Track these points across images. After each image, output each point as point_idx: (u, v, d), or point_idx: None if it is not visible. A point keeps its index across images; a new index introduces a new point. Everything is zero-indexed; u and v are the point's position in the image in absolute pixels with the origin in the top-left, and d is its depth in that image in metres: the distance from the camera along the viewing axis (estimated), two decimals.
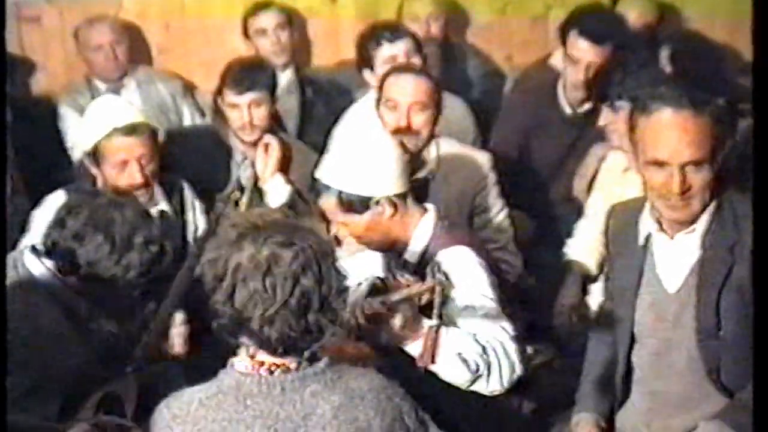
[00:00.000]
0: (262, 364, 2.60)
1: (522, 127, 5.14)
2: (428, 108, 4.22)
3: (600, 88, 4.42)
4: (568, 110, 5.06)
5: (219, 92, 4.71)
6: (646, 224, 3.27)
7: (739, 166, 3.17)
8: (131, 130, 4.18)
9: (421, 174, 4.20)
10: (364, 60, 4.93)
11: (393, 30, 4.93)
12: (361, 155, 3.50)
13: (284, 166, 4.60)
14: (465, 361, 3.17)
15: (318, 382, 2.59)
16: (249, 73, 4.66)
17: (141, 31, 5.74)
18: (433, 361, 3.11)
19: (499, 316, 3.32)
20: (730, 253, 3.12)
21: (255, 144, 4.64)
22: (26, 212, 4.36)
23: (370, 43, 4.87)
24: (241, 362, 2.62)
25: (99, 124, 4.22)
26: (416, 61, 4.80)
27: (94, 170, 4.27)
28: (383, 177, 3.49)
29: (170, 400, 2.63)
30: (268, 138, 4.60)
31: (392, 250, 3.56)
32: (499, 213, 4.42)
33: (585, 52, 4.92)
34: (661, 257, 3.26)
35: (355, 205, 3.48)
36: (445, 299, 3.14)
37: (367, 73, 4.90)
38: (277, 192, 4.52)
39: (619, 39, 4.93)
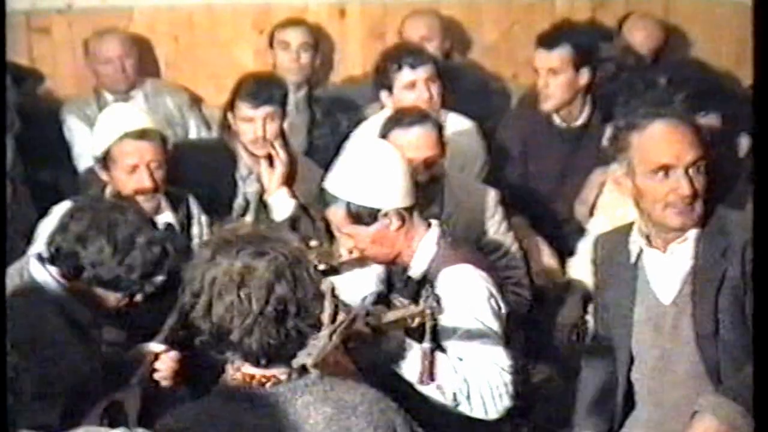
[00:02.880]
0: (253, 377, 2.62)
1: (520, 141, 5.17)
2: (439, 157, 4.20)
3: (605, 107, 4.45)
4: (559, 123, 5.08)
5: (231, 105, 4.70)
6: (636, 243, 3.33)
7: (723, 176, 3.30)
8: (142, 134, 4.20)
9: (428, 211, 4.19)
10: (382, 80, 4.87)
11: (415, 55, 4.87)
12: (370, 167, 3.51)
13: (289, 180, 4.61)
14: (443, 392, 3.24)
15: (310, 393, 2.61)
16: (265, 87, 4.66)
17: (150, 44, 5.77)
18: (432, 380, 3.14)
19: (495, 343, 3.35)
20: (723, 257, 3.18)
21: (264, 158, 4.66)
22: (31, 222, 4.37)
23: (390, 65, 4.82)
24: (232, 377, 2.64)
25: (111, 129, 4.24)
26: (434, 88, 4.79)
27: (104, 176, 4.28)
28: (392, 189, 3.49)
29: (167, 418, 2.65)
30: (277, 148, 4.60)
31: (395, 264, 3.59)
32: (509, 249, 4.41)
33: (539, 60, 5.01)
34: (653, 271, 3.31)
35: (363, 216, 3.48)
36: (436, 323, 3.15)
37: (383, 94, 4.87)
38: (282, 206, 4.53)
39: (570, 41, 4.97)
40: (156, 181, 4.20)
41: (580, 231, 4.67)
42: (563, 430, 3.66)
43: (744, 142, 3.89)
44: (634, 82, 4.45)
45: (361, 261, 3.64)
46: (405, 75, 4.78)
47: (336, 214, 3.53)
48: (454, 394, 3.24)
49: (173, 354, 3.39)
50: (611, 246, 3.47)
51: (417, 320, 3.10)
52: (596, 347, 3.58)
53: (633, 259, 3.33)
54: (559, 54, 4.94)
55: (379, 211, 3.48)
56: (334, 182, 3.56)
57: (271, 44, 5.65)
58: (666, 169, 3.15)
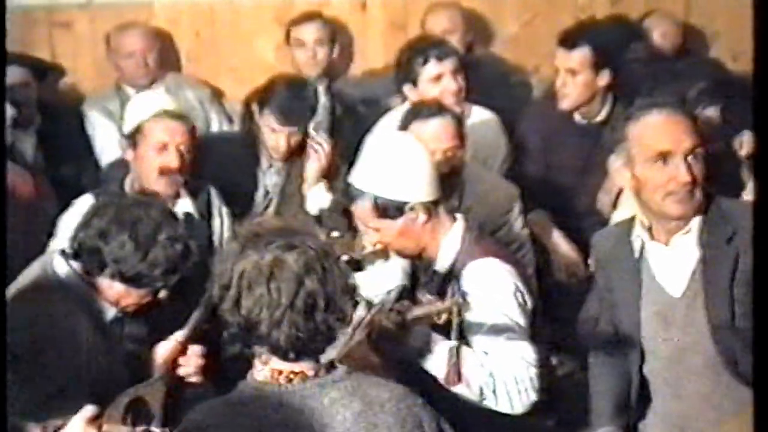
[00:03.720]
0: (280, 372, 2.61)
1: (540, 136, 5.17)
2: (459, 149, 4.20)
3: (628, 99, 4.43)
4: (580, 119, 5.07)
5: (260, 107, 4.70)
6: (638, 238, 3.32)
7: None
8: (178, 115, 4.25)
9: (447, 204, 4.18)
10: (406, 74, 4.86)
11: (441, 47, 4.86)
12: (397, 160, 3.50)
13: (329, 172, 4.59)
14: (468, 385, 3.23)
15: (337, 389, 2.60)
16: (296, 104, 4.66)
17: (171, 37, 5.78)
18: (459, 380, 3.14)
19: (521, 338, 3.34)
20: (729, 244, 3.18)
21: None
22: (54, 216, 4.38)
23: (415, 58, 4.81)
24: (259, 372, 2.63)
25: (148, 106, 4.28)
26: (460, 80, 4.78)
27: (129, 155, 4.28)
28: (418, 182, 3.49)
29: (193, 412, 2.65)
30: (319, 139, 4.59)
31: (420, 259, 3.58)
32: (524, 245, 4.40)
33: (559, 59, 4.99)
34: (658, 265, 3.30)
35: (390, 210, 3.48)
36: (462, 320, 3.14)
37: (407, 88, 4.85)
38: (318, 199, 4.53)
39: (591, 42, 4.94)
40: (183, 162, 4.21)
41: (603, 224, 4.65)
42: (587, 424, 3.64)
43: (746, 139, 3.88)
44: (658, 74, 4.44)
45: (383, 253, 3.63)
46: (431, 68, 4.77)
47: (362, 208, 3.53)
48: (481, 389, 3.24)
49: (198, 349, 3.38)
50: (612, 243, 3.47)
51: (444, 316, 3.08)
52: (605, 343, 3.56)
53: (636, 254, 3.32)
54: (579, 55, 4.93)
55: (405, 204, 3.47)
56: (360, 176, 3.55)
57: (287, 41, 5.64)
58: (665, 156, 3.15)
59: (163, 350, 3.33)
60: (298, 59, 5.56)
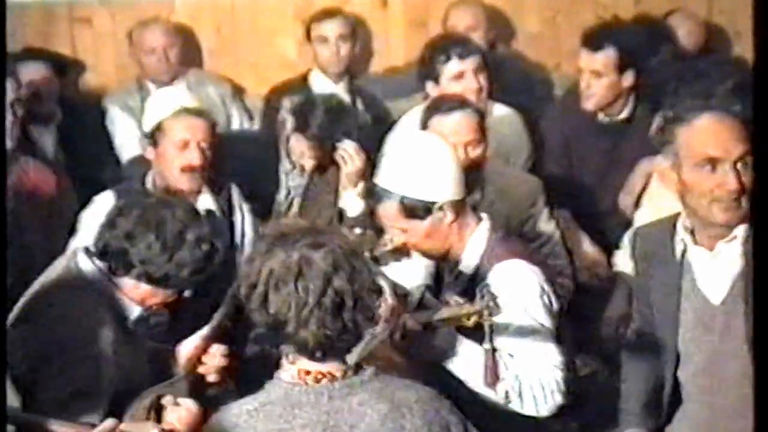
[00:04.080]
0: (308, 373, 2.60)
1: (563, 135, 5.15)
2: (479, 142, 4.17)
3: (654, 98, 4.40)
4: (602, 117, 5.05)
5: (294, 126, 4.62)
6: (681, 240, 3.26)
7: None
8: (198, 112, 4.24)
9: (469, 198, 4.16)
10: (428, 71, 4.84)
11: (463, 45, 4.84)
12: (423, 160, 3.47)
13: (363, 178, 4.52)
14: (494, 388, 3.20)
15: (365, 390, 2.59)
16: (334, 129, 4.56)
17: (193, 33, 5.77)
18: (497, 379, 3.12)
19: (547, 340, 3.31)
20: None
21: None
22: (74, 212, 4.37)
23: (438, 56, 4.78)
24: (287, 372, 2.62)
25: (168, 103, 4.26)
26: (482, 79, 4.75)
27: (150, 153, 4.27)
28: (445, 182, 3.46)
29: (220, 413, 2.64)
30: (348, 149, 4.52)
31: (446, 259, 3.55)
32: (552, 236, 4.35)
33: (584, 60, 4.96)
34: (700, 270, 3.24)
35: (418, 210, 3.44)
36: (493, 323, 3.11)
37: (429, 85, 4.84)
38: (352, 203, 4.49)
39: (615, 43, 4.91)
40: (204, 159, 4.20)
41: (625, 224, 4.64)
42: (612, 426, 3.61)
43: None
44: (683, 72, 4.40)
45: (402, 250, 3.61)
46: (453, 66, 4.75)
47: (389, 209, 3.49)
48: (506, 392, 3.21)
49: (221, 348, 3.36)
50: (653, 240, 3.41)
51: (473, 319, 3.06)
52: (639, 342, 3.52)
53: (678, 256, 3.27)
54: (603, 56, 4.91)
55: (433, 204, 3.45)
56: (386, 177, 3.52)
57: (308, 37, 5.62)
58: (713, 162, 3.07)
59: (186, 348, 3.32)
60: (320, 55, 5.54)
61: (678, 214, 3.27)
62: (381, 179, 3.54)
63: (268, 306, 2.55)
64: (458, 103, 4.22)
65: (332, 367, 2.60)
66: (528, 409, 3.26)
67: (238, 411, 2.60)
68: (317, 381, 2.58)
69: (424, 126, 4.20)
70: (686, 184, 3.13)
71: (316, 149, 4.55)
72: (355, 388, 2.58)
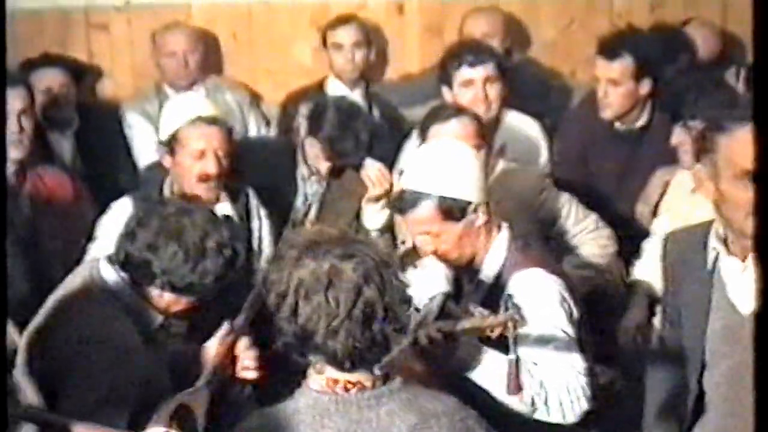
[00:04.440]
0: (336, 382, 2.59)
1: (580, 142, 5.14)
2: (480, 147, 4.10)
3: (673, 107, 4.39)
4: (619, 125, 5.04)
5: (308, 130, 4.63)
6: (714, 248, 3.23)
7: None
8: (213, 120, 4.21)
9: None
10: (444, 76, 4.83)
11: (476, 53, 4.81)
12: (454, 161, 3.49)
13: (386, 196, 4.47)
14: (520, 396, 3.18)
15: (393, 401, 2.58)
16: (348, 137, 4.54)
17: (215, 39, 5.77)
18: (520, 390, 3.11)
19: (570, 348, 3.31)
20: None
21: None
22: (91, 217, 4.38)
23: (451, 62, 4.79)
24: (316, 381, 2.61)
25: (182, 112, 4.24)
26: (492, 88, 4.74)
27: (167, 161, 4.26)
28: (477, 183, 3.49)
29: (249, 419, 2.65)
30: (373, 168, 4.50)
31: (468, 267, 3.55)
32: (571, 205, 4.39)
33: (601, 69, 4.96)
34: (731, 280, 3.21)
35: (454, 211, 3.45)
36: (518, 334, 3.10)
37: (445, 90, 4.83)
38: (374, 216, 4.50)
39: (632, 51, 4.90)
40: (222, 168, 4.19)
41: (642, 232, 4.63)
42: None
43: None
44: (702, 81, 4.40)
45: (414, 255, 3.61)
46: (463, 73, 4.74)
47: (425, 212, 3.47)
48: (533, 399, 3.20)
49: (248, 341, 3.40)
50: (684, 246, 3.39)
51: (497, 331, 3.04)
52: (664, 351, 3.51)
53: (710, 264, 3.25)
54: (620, 65, 4.90)
55: (468, 204, 3.45)
56: (421, 179, 3.50)
57: (324, 45, 5.62)
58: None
59: (213, 348, 3.35)
60: (335, 62, 5.54)
61: (712, 222, 3.24)
62: (413, 183, 3.52)
63: (298, 316, 2.54)
64: (455, 110, 4.25)
65: (361, 376, 2.59)
66: (554, 416, 3.25)
67: (267, 418, 2.60)
68: (346, 390, 2.58)
69: (424, 134, 4.22)
70: (723, 194, 3.08)
71: (329, 151, 4.55)
72: (383, 398, 2.58)
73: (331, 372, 2.59)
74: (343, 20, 5.62)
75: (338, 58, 5.54)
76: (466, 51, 4.85)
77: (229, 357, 3.39)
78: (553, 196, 4.39)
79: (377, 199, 4.47)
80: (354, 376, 2.59)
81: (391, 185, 4.42)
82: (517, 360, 3.07)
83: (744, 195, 3.01)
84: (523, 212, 4.21)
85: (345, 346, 2.53)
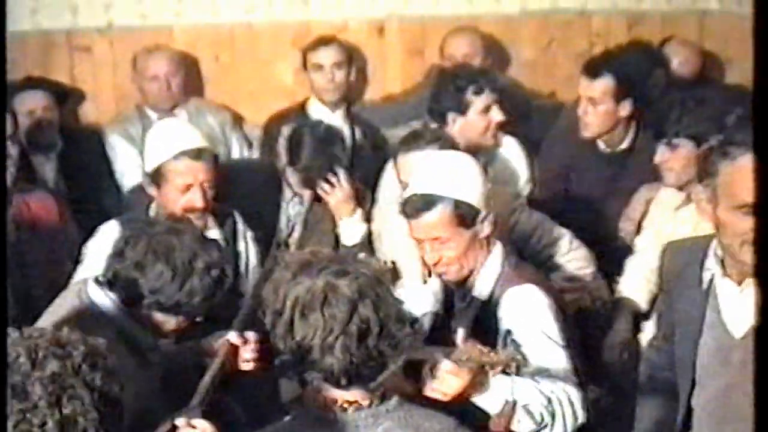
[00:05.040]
0: (335, 401, 2.61)
1: (562, 162, 5.16)
2: None
3: (656, 125, 4.41)
4: (603, 148, 5.05)
5: (287, 160, 4.65)
6: (710, 267, 3.24)
7: None
8: (198, 154, 4.16)
9: None
10: (453, 102, 4.77)
11: (490, 78, 4.88)
12: (470, 169, 3.53)
13: (359, 204, 4.57)
14: (530, 413, 3.19)
15: (391, 419, 2.60)
16: (323, 161, 4.56)
17: (196, 62, 5.77)
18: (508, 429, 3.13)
19: (563, 359, 3.33)
20: None
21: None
22: (75, 240, 4.38)
23: (468, 87, 4.75)
24: (313, 400, 2.63)
25: (166, 146, 4.18)
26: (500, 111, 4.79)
27: (152, 191, 4.24)
28: (484, 194, 3.52)
29: None
30: (330, 180, 4.54)
31: (463, 284, 3.57)
32: (542, 227, 4.38)
33: (582, 87, 4.97)
34: (725, 301, 3.20)
35: (467, 218, 3.47)
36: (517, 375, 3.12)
37: (452, 116, 4.77)
38: (352, 230, 4.51)
39: (613, 71, 4.91)
40: (207, 201, 4.18)
41: (625, 250, 4.65)
42: None
43: None
44: (685, 99, 4.42)
45: (395, 275, 3.63)
46: (485, 98, 4.76)
47: (438, 216, 3.48)
48: (541, 415, 3.19)
49: (253, 335, 3.43)
50: (681, 260, 3.37)
51: (498, 369, 3.06)
52: (653, 383, 3.53)
53: (705, 285, 3.25)
54: (602, 84, 4.90)
55: (478, 214, 3.48)
56: (434, 183, 3.52)
57: (305, 66, 5.63)
58: (750, 207, 2.95)
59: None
60: (316, 83, 5.55)
61: (712, 237, 3.20)
62: (427, 187, 3.52)
63: (294, 333, 2.56)
64: (433, 137, 4.27)
65: (358, 395, 2.61)
66: (557, 430, 3.25)
67: None
68: (344, 409, 2.60)
69: (398, 160, 4.29)
70: (720, 221, 3.06)
71: (309, 180, 4.57)
72: (381, 417, 2.60)
73: (329, 390, 2.61)
74: (324, 41, 5.63)
75: (319, 79, 5.54)
76: (480, 76, 4.87)
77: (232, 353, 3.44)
78: (525, 216, 4.39)
79: (347, 209, 4.50)
80: (351, 395, 2.61)
81: (354, 190, 4.47)
82: (514, 403, 3.09)
83: (741, 225, 2.99)
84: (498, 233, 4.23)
85: (341, 362, 2.55)
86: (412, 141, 4.28)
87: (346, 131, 5.44)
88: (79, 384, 1.96)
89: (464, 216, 3.46)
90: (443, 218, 3.47)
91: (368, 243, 4.50)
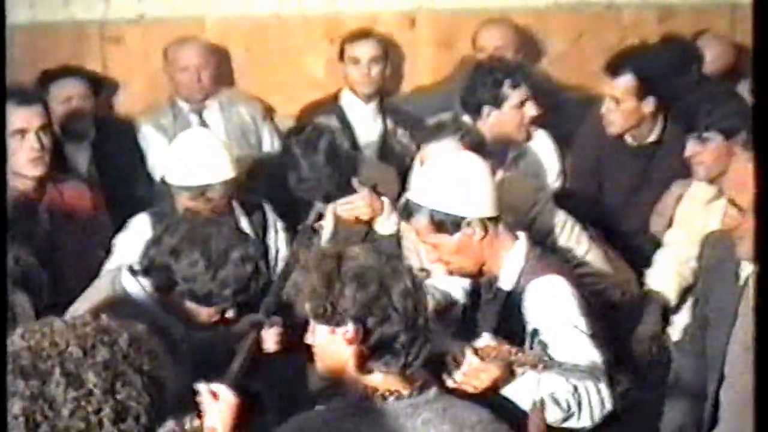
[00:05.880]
0: (375, 390, 2.63)
1: (593, 156, 5.16)
2: None
3: (686, 119, 4.41)
4: (631, 141, 5.05)
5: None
6: (746, 269, 3.24)
7: None
8: (218, 188, 4.19)
9: None
10: (490, 96, 4.79)
11: (524, 72, 4.89)
12: (455, 176, 3.50)
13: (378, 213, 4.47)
14: (557, 401, 3.19)
15: (429, 410, 2.62)
16: (313, 183, 4.46)
17: (227, 53, 5.77)
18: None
19: (592, 350, 3.32)
20: None
21: None
22: (108, 228, 4.43)
23: (505, 81, 4.77)
24: (355, 389, 2.66)
25: (185, 178, 4.22)
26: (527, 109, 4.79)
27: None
28: (475, 197, 3.48)
29: (288, 424, 2.68)
30: (349, 199, 4.46)
31: (482, 276, 3.58)
32: (565, 224, 4.32)
33: (605, 86, 4.99)
34: None
35: (446, 225, 3.46)
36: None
37: (487, 109, 4.79)
38: (386, 224, 4.46)
39: (635, 69, 4.90)
40: (223, 212, 4.21)
41: (655, 243, 4.65)
42: None
43: None
44: (715, 92, 4.41)
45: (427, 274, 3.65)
46: (521, 92, 4.78)
47: (419, 223, 3.52)
48: (568, 403, 3.19)
49: (278, 319, 3.51)
50: (720, 253, 3.38)
51: (525, 369, 3.07)
52: (681, 389, 3.53)
53: (741, 281, 3.24)
54: (622, 83, 4.89)
55: (462, 219, 3.47)
56: (417, 191, 3.55)
57: (341, 57, 5.62)
58: None
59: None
60: (351, 76, 5.55)
61: None
62: (412, 194, 3.58)
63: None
64: (453, 128, 4.27)
65: (399, 384, 2.64)
66: (584, 419, 3.25)
67: (306, 423, 2.65)
68: (384, 399, 2.62)
69: (417, 150, 4.32)
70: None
71: (321, 198, 4.52)
72: (420, 408, 2.62)
73: (371, 379, 2.64)
74: (362, 35, 5.62)
75: (354, 72, 5.54)
76: (516, 70, 4.88)
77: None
78: (549, 211, 4.36)
79: (377, 214, 4.44)
80: (392, 384, 2.64)
81: (378, 200, 4.43)
82: (542, 402, 3.09)
83: None
84: (518, 226, 4.22)
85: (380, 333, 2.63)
86: (435, 131, 4.29)
87: (378, 123, 5.48)
88: (130, 370, 1.98)
89: (443, 224, 3.46)
90: (423, 225, 3.50)
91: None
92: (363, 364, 2.66)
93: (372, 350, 2.65)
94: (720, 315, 3.31)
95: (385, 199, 4.44)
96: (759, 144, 2.38)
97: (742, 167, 3.09)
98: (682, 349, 3.73)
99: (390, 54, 5.71)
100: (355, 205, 4.42)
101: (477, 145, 4.14)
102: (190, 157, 4.25)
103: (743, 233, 3.08)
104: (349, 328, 2.63)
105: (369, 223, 4.46)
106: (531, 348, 3.09)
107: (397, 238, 4.39)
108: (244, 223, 4.33)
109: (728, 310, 3.27)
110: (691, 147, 4.30)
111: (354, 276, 2.63)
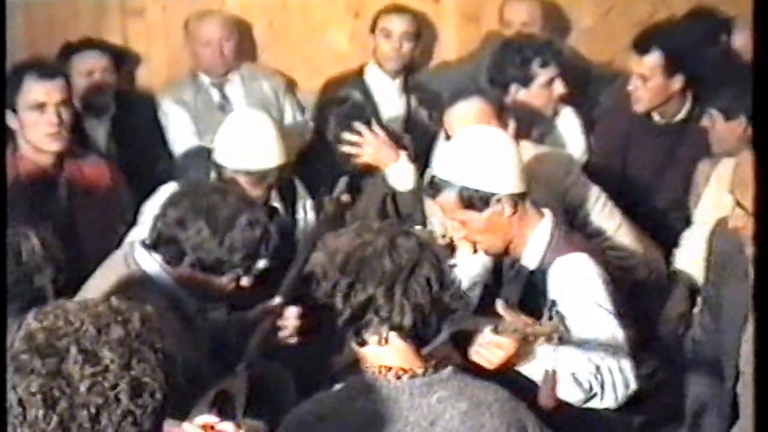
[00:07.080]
0: (389, 369, 2.60)
1: (620, 133, 5.09)
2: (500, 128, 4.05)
3: (714, 99, 4.35)
4: (658, 119, 4.98)
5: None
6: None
7: None
8: (263, 176, 4.15)
9: None
10: (519, 74, 4.76)
11: (553, 50, 4.83)
12: (484, 152, 3.46)
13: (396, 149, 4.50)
14: (578, 381, 3.16)
15: (444, 388, 2.59)
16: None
17: (249, 26, 5.71)
18: (555, 402, 3.06)
19: (616, 329, 3.28)
20: None
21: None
22: (127, 204, 4.39)
23: (534, 59, 4.74)
24: (369, 368, 2.63)
25: (233, 156, 4.17)
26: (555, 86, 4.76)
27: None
28: (505, 174, 3.44)
29: (303, 404, 2.67)
30: (353, 137, 4.50)
31: (507, 255, 3.52)
32: (598, 199, 4.29)
33: (632, 63, 4.90)
34: None
35: (476, 202, 3.43)
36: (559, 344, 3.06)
37: (515, 87, 4.77)
38: (403, 175, 4.45)
39: (663, 47, 4.82)
40: (267, 196, 4.18)
41: (685, 220, 4.59)
42: (673, 424, 3.58)
43: None
44: (744, 75, 4.33)
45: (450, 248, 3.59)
46: (550, 70, 4.74)
47: (448, 200, 3.48)
48: (590, 383, 3.17)
49: (295, 310, 3.41)
50: (729, 247, 3.34)
51: (541, 340, 3.01)
52: (701, 361, 3.47)
53: (752, 274, 3.19)
54: (650, 60, 4.82)
55: (492, 196, 3.42)
56: (446, 167, 3.51)
57: (372, 29, 5.55)
58: None
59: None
60: (381, 50, 5.47)
61: None
62: (439, 170, 3.53)
63: (356, 289, 2.62)
64: (474, 90, 4.27)
65: (413, 363, 2.62)
66: (608, 399, 3.22)
67: (321, 403, 2.64)
68: (398, 377, 2.59)
69: (443, 113, 4.24)
70: None
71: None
72: (435, 386, 2.59)
73: (384, 359, 2.61)
74: (398, 8, 5.55)
75: (385, 46, 5.47)
76: (545, 47, 4.83)
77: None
78: (582, 183, 4.33)
79: (390, 157, 4.45)
80: (406, 362, 2.61)
81: (387, 138, 4.45)
82: (554, 372, 3.04)
83: None
84: (552, 200, 4.15)
85: (406, 306, 2.61)
86: (457, 95, 4.26)
87: (403, 99, 5.42)
88: (144, 347, 2.01)
89: (472, 201, 3.43)
90: (452, 202, 3.47)
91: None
92: None
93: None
94: (734, 310, 3.26)
95: (402, 152, 4.44)
96: (759, 144, 2.34)
97: (749, 167, 3.02)
98: (699, 325, 3.66)
99: (423, 32, 5.63)
100: (364, 143, 4.44)
101: (500, 102, 4.19)
102: (249, 140, 4.19)
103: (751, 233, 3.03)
104: None
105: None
106: (550, 320, 3.03)
107: (418, 197, 4.36)
108: (276, 201, 4.29)
109: (740, 307, 3.23)
110: (718, 123, 4.25)
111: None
